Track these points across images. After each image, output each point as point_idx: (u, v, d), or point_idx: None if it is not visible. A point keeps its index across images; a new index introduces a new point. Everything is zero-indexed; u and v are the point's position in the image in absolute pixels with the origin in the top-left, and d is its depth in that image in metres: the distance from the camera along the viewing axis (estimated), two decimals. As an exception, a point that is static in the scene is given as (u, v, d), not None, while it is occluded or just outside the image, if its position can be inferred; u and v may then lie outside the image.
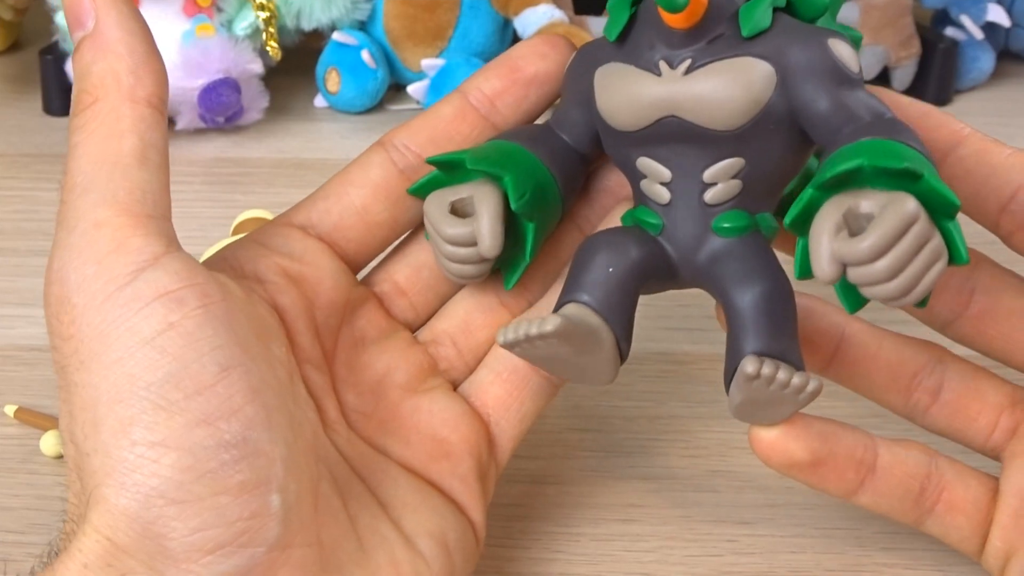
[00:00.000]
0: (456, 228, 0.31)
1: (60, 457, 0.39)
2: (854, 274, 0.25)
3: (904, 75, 0.67)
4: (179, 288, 0.25)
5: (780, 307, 0.29)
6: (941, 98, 0.67)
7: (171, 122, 0.63)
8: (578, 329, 0.29)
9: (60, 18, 0.63)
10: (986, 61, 0.69)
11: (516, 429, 0.33)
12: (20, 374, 0.44)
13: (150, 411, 0.25)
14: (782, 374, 0.28)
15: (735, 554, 0.36)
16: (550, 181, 0.32)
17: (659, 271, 0.31)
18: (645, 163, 0.30)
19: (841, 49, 0.28)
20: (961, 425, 0.33)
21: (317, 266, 0.32)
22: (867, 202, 0.25)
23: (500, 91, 0.33)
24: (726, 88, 0.28)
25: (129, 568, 0.25)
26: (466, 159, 0.31)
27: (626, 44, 0.30)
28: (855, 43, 0.31)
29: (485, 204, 0.30)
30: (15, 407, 0.41)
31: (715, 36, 0.29)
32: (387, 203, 0.33)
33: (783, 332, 0.29)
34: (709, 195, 0.30)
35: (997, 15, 0.68)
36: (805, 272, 0.27)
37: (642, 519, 0.37)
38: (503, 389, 0.33)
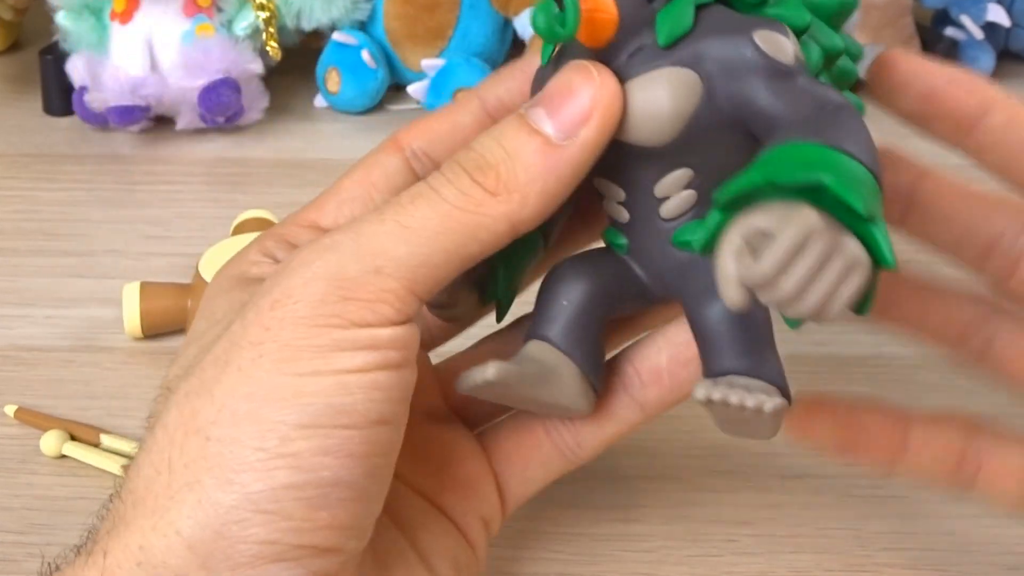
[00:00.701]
0: (435, 295, 0.30)
1: (60, 457, 0.39)
2: (763, 297, 0.24)
3: (904, 75, 0.67)
4: (391, 349, 0.26)
5: (746, 319, 0.28)
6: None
7: (171, 122, 0.63)
8: (526, 371, 0.29)
9: (60, 18, 0.63)
10: (986, 61, 0.69)
11: (521, 489, 0.33)
12: (20, 374, 0.44)
13: (293, 426, 0.25)
14: (734, 398, 0.26)
15: (735, 554, 0.36)
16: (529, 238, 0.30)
17: (628, 293, 0.30)
18: (600, 183, 0.29)
19: (769, 40, 0.26)
20: None
21: None
22: (764, 218, 0.24)
23: (520, 103, 0.31)
24: (647, 104, 0.27)
25: (183, 571, 0.24)
26: None
27: (560, 62, 0.28)
28: (854, 56, 0.29)
29: None
30: (15, 407, 0.41)
31: (636, 48, 0.27)
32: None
33: (751, 345, 0.28)
34: (664, 210, 0.29)
35: (997, 15, 0.68)
36: (709, 228, 0.25)
37: (642, 519, 0.37)
38: (512, 445, 0.33)
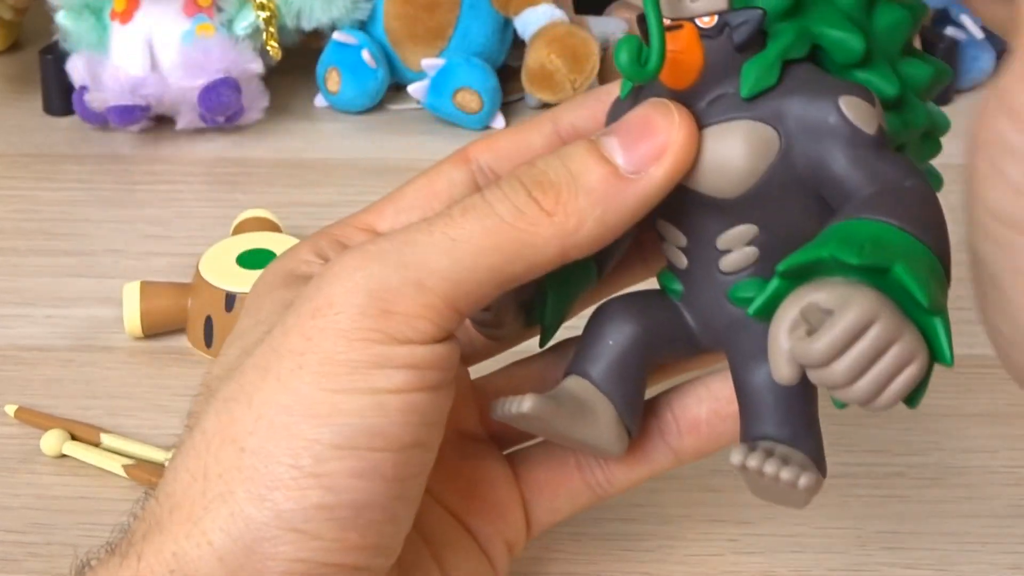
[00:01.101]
0: (480, 314, 0.30)
1: (61, 457, 0.39)
2: (813, 376, 0.24)
3: (904, 75, 0.67)
4: (430, 369, 0.25)
5: (793, 388, 0.27)
6: (942, 98, 0.67)
7: (171, 122, 0.63)
8: (562, 406, 0.29)
9: (60, 17, 0.63)
10: (986, 61, 0.69)
11: (547, 517, 0.33)
12: (20, 374, 0.44)
13: (328, 445, 0.25)
14: (769, 468, 0.26)
15: (736, 553, 0.36)
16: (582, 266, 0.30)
17: (676, 339, 0.30)
18: (663, 225, 0.29)
19: (854, 107, 0.26)
20: None
21: None
22: (825, 296, 0.23)
23: (593, 131, 0.30)
24: (721, 156, 0.26)
25: None
26: None
27: (639, 98, 0.28)
28: (941, 130, 0.29)
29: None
30: (15, 407, 0.41)
31: (717, 96, 0.27)
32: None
33: (794, 415, 0.28)
34: (724, 262, 0.28)
35: (997, 15, 0.68)
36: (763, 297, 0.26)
37: (643, 518, 0.37)
38: (543, 474, 0.32)
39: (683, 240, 0.29)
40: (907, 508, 0.37)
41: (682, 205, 0.28)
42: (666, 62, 0.25)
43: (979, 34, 0.68)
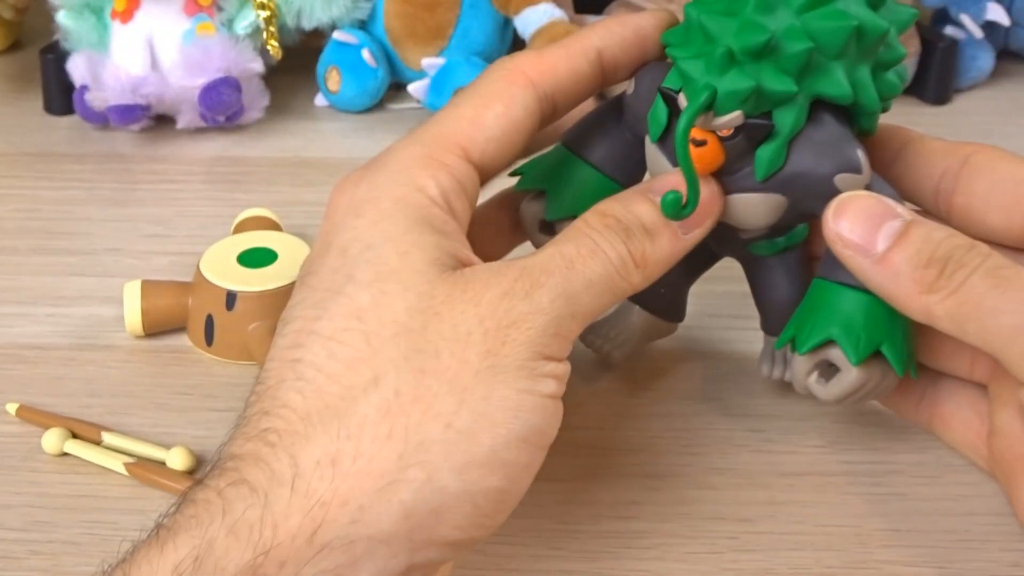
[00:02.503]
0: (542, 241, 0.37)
1: (62, 455, 0.39)
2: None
3: (904, 74, 0.67)
4: (563, 381, 0.30)
5: (798, 300, 0.35)
6: (941, 97, 0.67)
7: (172, 121, 0.63)
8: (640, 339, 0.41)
9: (61, 17, 0.63)
10: (986, 60, 0.69)
11: None
12: (22, 372, 0.44)
13: (514, 438, 0.29)
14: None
15: (735, 551, 0.36)
16: (607, 188, 0.36)
17: (708, 260, 0.40)
18: None
19: (846, 182, 0.32)
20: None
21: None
22: (835, 357, 0.33)
23: (627, 64, 0.35)
24: (746, 216, 0.34)
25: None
26: (522, 178, 0.38)
27: (667, 142, 0.33)
28: (909, 21, 0.34)
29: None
30: (17, 405, 0.41)
31: (736, 171, 0.33)
32: (526, 142, 0.35)
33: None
34: (743, 234, 0.36)
35: (997, 14, 0.68)
36: (782, 342, 0.35)
37: (642, 516, 0.37)
38: None
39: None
40: (907, 506, 0.37)
41: None
42: (693, 161, 0.31)
43: (979, 34, 0.68)
